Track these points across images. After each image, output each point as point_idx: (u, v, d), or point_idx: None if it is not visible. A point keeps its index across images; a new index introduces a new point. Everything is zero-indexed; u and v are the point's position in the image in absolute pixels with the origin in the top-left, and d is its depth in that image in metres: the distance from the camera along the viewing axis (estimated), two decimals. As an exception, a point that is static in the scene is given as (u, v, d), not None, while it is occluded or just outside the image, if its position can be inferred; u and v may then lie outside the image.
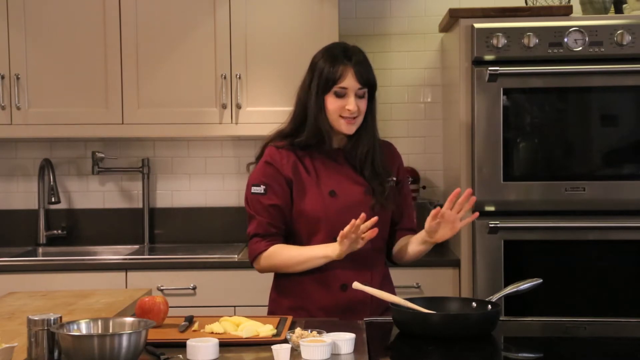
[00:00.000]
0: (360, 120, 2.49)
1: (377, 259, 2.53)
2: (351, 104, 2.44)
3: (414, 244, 2.53)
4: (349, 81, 2.45)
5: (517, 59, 3.38)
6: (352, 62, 2.45)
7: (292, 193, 2.49)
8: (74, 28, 3.79)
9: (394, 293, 2.55)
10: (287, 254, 2.47)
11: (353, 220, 2.30)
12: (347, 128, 2.47)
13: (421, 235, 2.49)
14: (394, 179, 2.58)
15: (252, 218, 2.51)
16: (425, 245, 2.49)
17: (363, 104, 2.47)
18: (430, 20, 4.08)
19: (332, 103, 2.46)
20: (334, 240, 2.44)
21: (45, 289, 3.10)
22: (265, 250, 2.48)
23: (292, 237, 2.51)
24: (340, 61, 2.46)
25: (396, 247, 2.61)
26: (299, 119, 2.52)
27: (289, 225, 2.51)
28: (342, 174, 2.51)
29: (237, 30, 3.77)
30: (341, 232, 2.32)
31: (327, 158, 2.52)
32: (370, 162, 2.51)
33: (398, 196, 2.60)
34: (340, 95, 2.45)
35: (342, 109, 2.45)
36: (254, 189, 2.49)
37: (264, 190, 2.48)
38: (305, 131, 2.49)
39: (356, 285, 2.29)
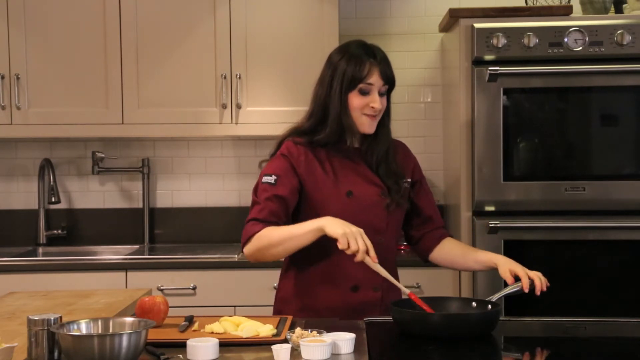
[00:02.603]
0: (379, 119, 2.49)
1: (388, 259, 2.52)
2: (376, 101, 2.44)
3: (475, 264, 2.56)
4: (375, 78, 2.44)
5: (517, 59, 3.38)
6: (377, 60, 2.45)
7: (306, 191, 2.47)
8: (74, 28, 3.79)
9: (398, 295, 2.56)
10: (277, 232, 2.38)
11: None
12: (370, 126, 2.46)
13: (488, 263, 2.50)
14: (409, 180, 2.58)
15: (255, 204, 2.46)
16: (486, 269, 2.54)
17: (385, 102, 2.49)
18: (430, 20, 4.08)
19: (356, 101, 2.45)
20: None
21: (45, 289, 3.10)
22: (259, 231, 2.40)
23: None
24: (366, 59, 2.45)
25: (443, 252, 2.62)
26: (318, 118, 2.50)
27: (289, 220, 2.47)
28: (358, 173, 2.50)
29: (237, 30, 3.77)
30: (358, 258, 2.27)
31: (344, 157, 2.51)
32: (386, 161, 2.51)
33: (419, 196, 2.61)
34: (364, 93, 2.45)
35: (366, 107, 2.44)
36: (265, 179, 2.46)
37: (274, 180, 2.44)
38: (326, 129, 2.47)
39: (367, 261, 2.27)
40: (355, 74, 2.43)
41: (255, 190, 2.49)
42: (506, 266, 2.41)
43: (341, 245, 2.24)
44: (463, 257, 2.58)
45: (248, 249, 2.44)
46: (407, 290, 2.29)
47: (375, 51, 2.48)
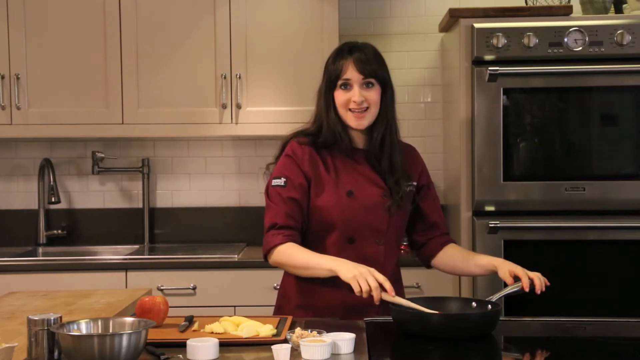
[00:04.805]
0: (372, 113, 2.48)
1: (389, 261, 2.53)
2: (356, 94, 2.45)
3: (476, 268, 2.57)
4: (351, 73, 2.46)
5: (517, 59, 3.39)
6: (352, 56, 2.48)
7: (310, 190, 2.48)
8: (74, 28, 3.79)
9: (403, 296, 2.56)
10: (296, 257, 2.41)
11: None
12: (356, 122, 2.47)
13: (488, 266, 2.53)
14: (414, 183, 2.58)
15: (270, 208, 2.48)
16: (487, 273, 2.56)
17: (372, 94, 2.47)
18: (430, 20, 4.08)
19: (340, 97, 2.48)
20: (348, 240, 2.44)
21: (45, 289, 3.10)
22: (281, 244, 2.42)
23: (306, 233, 2.51)
24: (342, 56, 2.49)
25: (445, 258, 2.62)
26: (319, 121, 2.53)
27: (305, 218, 2.49)
28: (361, 174, 2.51)
29: (237, 30, 3.77)
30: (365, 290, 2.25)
31: (347, 157, 2.52)
32: (387, 156, 2.51)
33: (425, 201, 2.62)
34: (346, 89, 2.47)
35: (349, 102, 2.46)
36: (275, 182, 2.49)
37: (284, 182, 2.47)
38: (323, 130, 2.51)
39: (385, 296, 2.25)
40: (334, 72, 2.48)
41: (268, 194, 2.51)
42: (505, 267, 2.43)
43: (355, 289, 2.24)
44: (464, 262, 2.59)
45: (272, 259, 2.47)
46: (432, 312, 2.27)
47: (356, 48, 2.50)
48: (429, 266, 2.68)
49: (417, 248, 2.68)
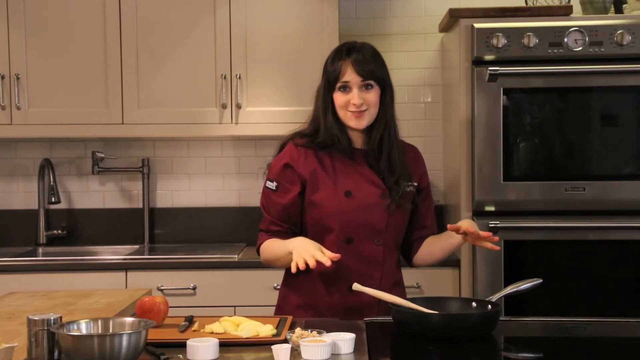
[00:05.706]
0: (371, 113, 2.48)
1: (388, 262, 2.53)
2: (355, 97, 2.45)
3: (444, 238, 2.57)
4: (349, 75, 2.46)
5: (517, 59, 3.39)
6: (351, 57, 2.48)
7: (307, 191, 2.50)
8: (74, 28, 3.79)
9: (404, 296, 2.55)
10: (267, 251, 2.53)
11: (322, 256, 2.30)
12: (356, 122, 2.47)
13: (454, 244, 2.55)
14: (415, 184, 2.59)
15: (263, 212, 2.57)
16: (455, 239, 2.52)
17: (371, 96, 2.47)
18: (430, 20, 4.08)
19: (339, 99, 2.48)
20: (346, 240, 2.45)
21: (45, 289, 3.10)
22: (261, 244, 2.55)
23: (305, 235, 2.51)
24: (341, 57, 2.49)
25: (422, 250, 2.63)
26: (316, 121, 2.54)
27: (296, 222, 2.52)
28: (360, 174, 2.52)
29: (237, 30, 3.77)
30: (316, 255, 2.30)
31: (346, 158, 2.52)
32: (386, 155, 2.51)
33: (422, 203, 2.63)
34: (345, 90, 2.47)
35: (348, 104, 2.47)
36: (268, 184, 2.55)
37: (276, 187, 2.52)
38: (321, 132, 2.52)
39: (356, 286, 2.29)
40: (333, 74, 2.49)
41: (262, 194, 2.58)
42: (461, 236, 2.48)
43: (292, 267, 2.31)
44: (434, 243, 2.61)
45: (262, 259, 2.59)
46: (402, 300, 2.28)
47: (354, 49, 2.50)
48: (411, 264, 2.68)
49: (402, 246, 2.67)
